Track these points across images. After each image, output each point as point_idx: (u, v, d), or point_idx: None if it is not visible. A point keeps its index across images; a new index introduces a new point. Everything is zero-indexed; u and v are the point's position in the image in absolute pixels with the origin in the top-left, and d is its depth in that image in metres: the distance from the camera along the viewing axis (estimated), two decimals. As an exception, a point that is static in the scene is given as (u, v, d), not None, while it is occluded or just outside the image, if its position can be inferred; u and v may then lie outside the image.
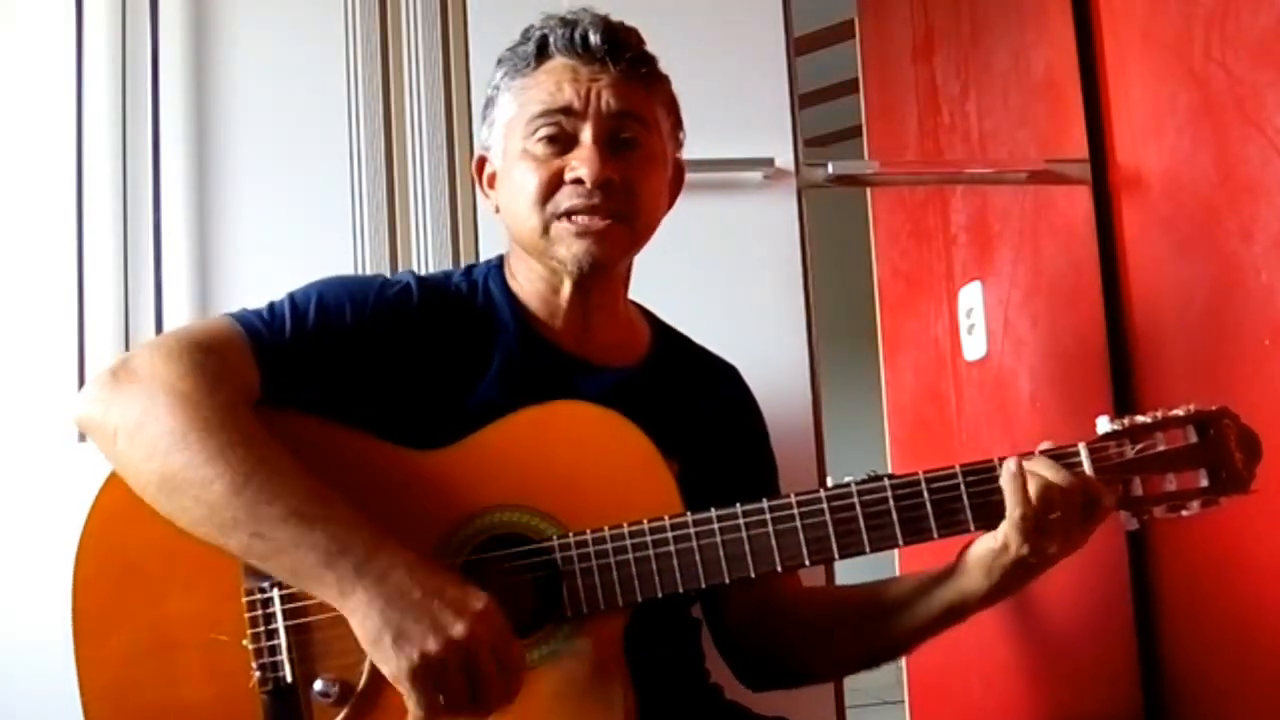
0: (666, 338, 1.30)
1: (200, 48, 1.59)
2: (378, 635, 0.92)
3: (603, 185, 1.12)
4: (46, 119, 1.54)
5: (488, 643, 0.92)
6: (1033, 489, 1.01)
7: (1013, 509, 1.02)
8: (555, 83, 1.15)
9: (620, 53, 1.15)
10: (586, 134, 1.14)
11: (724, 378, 1.32)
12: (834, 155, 2.38)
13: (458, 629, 0.91)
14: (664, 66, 1.23)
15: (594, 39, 1.14)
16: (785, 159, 1.67)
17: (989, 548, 1.05)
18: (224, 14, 1.60)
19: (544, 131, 1.14)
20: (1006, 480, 1.03)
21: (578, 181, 1.12)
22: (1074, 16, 1.79)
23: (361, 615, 0.93)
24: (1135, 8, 1.69)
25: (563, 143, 1.14)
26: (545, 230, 1.14)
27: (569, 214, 1.13)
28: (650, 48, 1.22)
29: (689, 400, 1.25)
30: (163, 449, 0.97)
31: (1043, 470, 1.02)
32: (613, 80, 1.15)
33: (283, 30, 1.61)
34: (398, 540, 0.95)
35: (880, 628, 1.16)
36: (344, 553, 0.93)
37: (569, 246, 1.13)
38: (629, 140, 1.16)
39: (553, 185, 1.14)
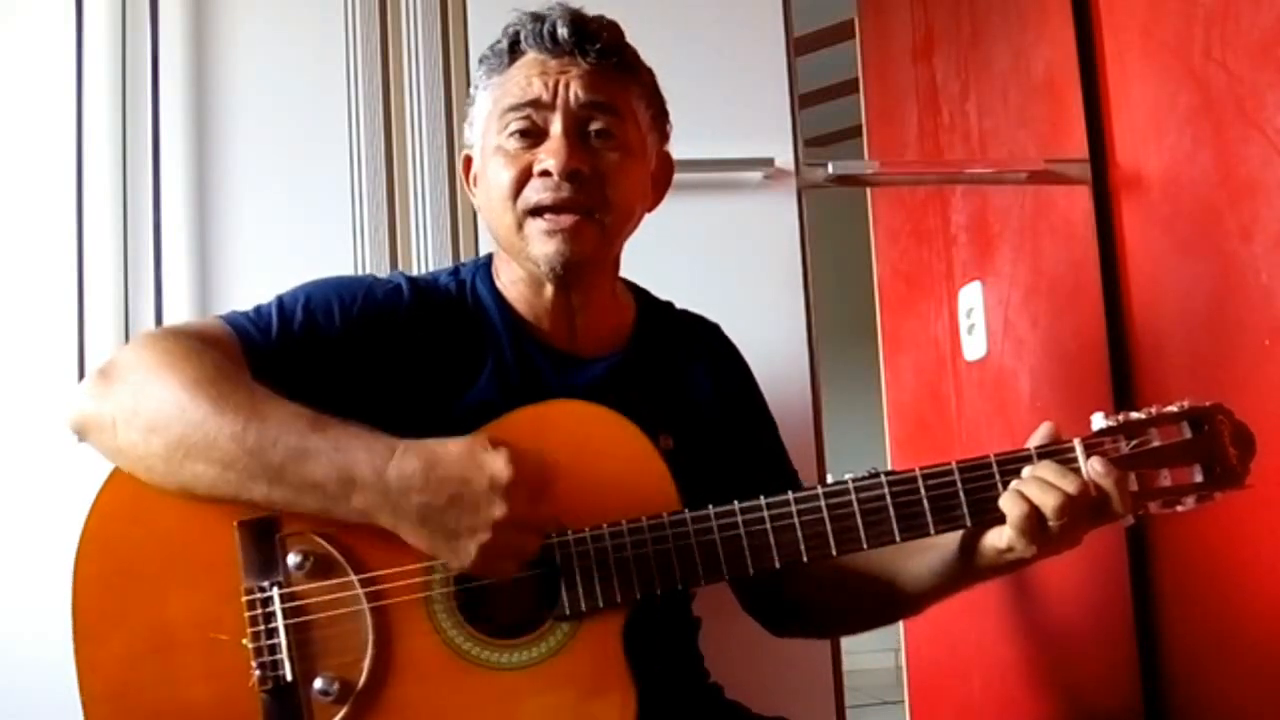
0: (650, 311, 1.30)
1: (200, 48, 1.59)
2: (430, 547, 0.96)
3: (570, 176, 1.12)
4: (46, 119, 1.54)
5: (526, 501, 0.95)
6: (1037, 497, 1.00)
7: (1015, 518, 1.00)
8: (526, 77, 1.15)
9: (589, 44, 1.15)
10: (556, 125, 1.14)
11: (708, 337, 1.32)
12: (834, 155, 2.38)
13: (497, 511, 0.94)
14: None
15: (561, 32, 1.14)
16: (785, 159, 1.67)
17: (995, 548, 1.04)
18: (224, 14, 1.60)
19: (515, 126, 1.15)
20: (1008, 495, 1.02)
21: (545, 174, 1.13)
22: (1074, 16, 1.79)
23: (404, 533, 0.96)
24: (1135, 8, 1.69)
25: (534, 136, 1.15)
26: (519, 227, 1.15)
27: (539, 210, 1.13)
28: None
29: (679, 373, 1.25)
30: (163, 420, 0.97)
31: (1048, 477, 1.01)
32: (582, 72, 1.15)
33: (283, 30, 1.61)
34: (404, 442, 0.97)
35: (892, 592, 1.16)
36: (353, 482, 0.95)
37: (541, 246, 1.13)
38: (600, 131, 1.15)
39: (523, 179, 1.14)
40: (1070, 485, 1.00)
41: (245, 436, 0.96)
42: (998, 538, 1.04)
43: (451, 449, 0.96)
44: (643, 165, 1.21)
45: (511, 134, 1.15)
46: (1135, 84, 1.69)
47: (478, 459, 0.95)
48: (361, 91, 1.62)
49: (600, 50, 1.15)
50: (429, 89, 1.63)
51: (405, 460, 0.95)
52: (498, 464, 0.95)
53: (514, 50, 1.17)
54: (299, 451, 0.96)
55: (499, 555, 0.96)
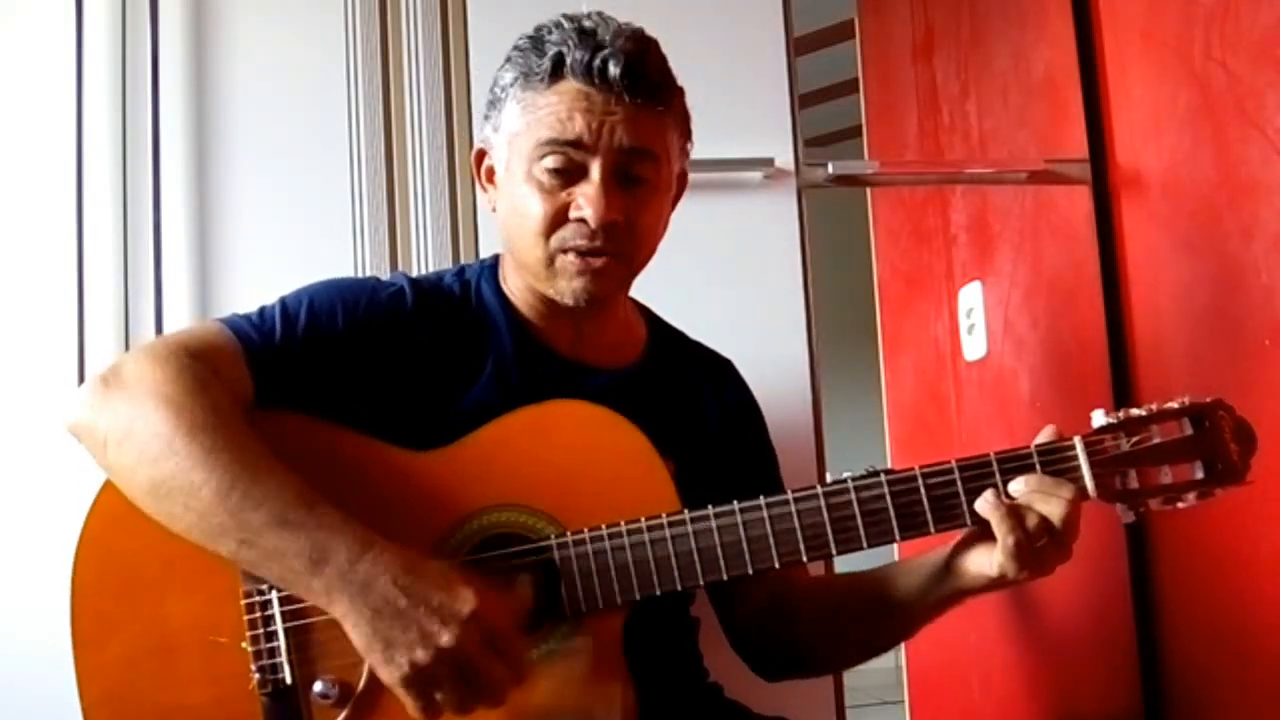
0: (663, 336, 1.30)
1: (200, 48, 1.59)
2: (368, 645, 0.92)
3: (607, 227, 1.10)
4: (46, 119, 1.54)
5: (478, 646, 0.92)
6: (1027, 521, 1.00)
7: (1005, 540, 1.00)
8: (567, 110, 1.10)
9: (639, 85, 1.10)
10: (595, 170, 1.10)
11: (721, 373, 1.32)
12: (834, 155, 2.38)
13: (445, 638, 0.91)
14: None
15: (613, 70, 1.08)
16: (785, 159, 1.67)
17: (986, 576, 1.04)
18: (224, 14, 1.60)
19: (551, 162, 1.10)
20: (990, 511, 1.01)
21: (582, 221, 1.10)
22: (1074, 16, 1.78)
23: (351, 624, 0.93)
24: (1135, 8, 1.69)
25: (570, 174, 1.11)
26: (549, 262, 1.13)
27: (572, 250, 1.12)
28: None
29: (686, 399, 1.25)
30: (150, 455, 0.96)
31: (1034, 500, 1.01)
32: (627, 115, 1.10)
33: (283, 30, 1.61)
34: (385, 540, 0.95)
35: (882, 618, 1.16)
36: (326, 560, 0.93)
37: (569, 281, 1.12)
38: (637, 178, 1.13)
39: (558, 219, 1.11)
40: (1050, 507, 1.01)
41: (229, 496, 0.94)
42: (987, 564, 1.03)
43: (431, 565, 0.95)
44: (669, 197, 1.20)
45: (547, 169, 1.11)
46: (1135, 84, 1.69)
47: (451, 584, 0.93)
48: (361, 91, 1.62)
49: (649, 90, 1.11)
50: (429, 89, 1.63)
51: (382, 558, 0.93)
52: (465, 595, 0.92)
53: (556, 72, 1.11)
54: (279, 520, 0.94)
55: (426, 680, 0.92)
